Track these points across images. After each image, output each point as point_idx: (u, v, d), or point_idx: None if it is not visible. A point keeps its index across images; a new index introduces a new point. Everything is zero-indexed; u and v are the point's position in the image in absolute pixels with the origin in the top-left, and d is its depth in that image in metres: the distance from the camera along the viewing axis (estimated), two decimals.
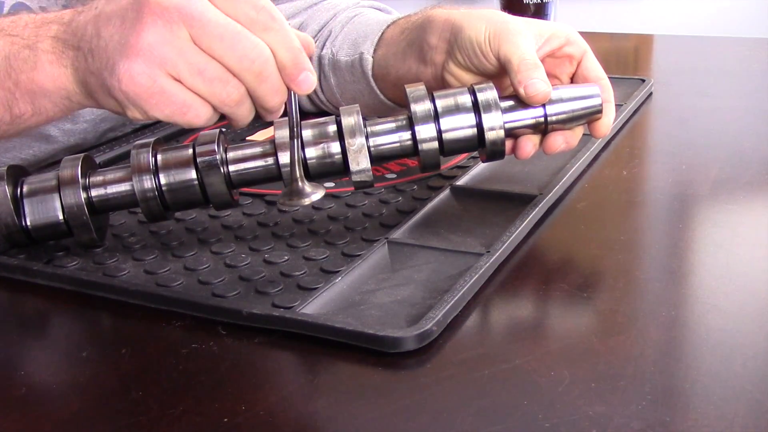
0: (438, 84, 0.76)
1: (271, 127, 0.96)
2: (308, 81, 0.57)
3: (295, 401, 0.51)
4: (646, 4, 2.34)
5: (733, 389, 0.49)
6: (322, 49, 0.91)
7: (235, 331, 0.56)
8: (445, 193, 0.75)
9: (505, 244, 0.64)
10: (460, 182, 0.77)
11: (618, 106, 0.97)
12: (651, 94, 1.08)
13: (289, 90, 0.59)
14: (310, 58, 0.58)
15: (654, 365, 0.52)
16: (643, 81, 1.09)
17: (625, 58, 1.40)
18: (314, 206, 0.73)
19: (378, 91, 0.85)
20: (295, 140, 0.61)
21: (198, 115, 0.54)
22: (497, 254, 0.63)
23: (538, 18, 1.25)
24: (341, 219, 0.70)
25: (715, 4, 2.27)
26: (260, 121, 0.98)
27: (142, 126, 0.98)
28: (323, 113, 0.97)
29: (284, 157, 0.63)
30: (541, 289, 0.63)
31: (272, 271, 0.63)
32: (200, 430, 0.48)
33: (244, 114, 0.56)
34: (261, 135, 0.93)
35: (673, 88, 1.13)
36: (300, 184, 0.60)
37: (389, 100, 0.85)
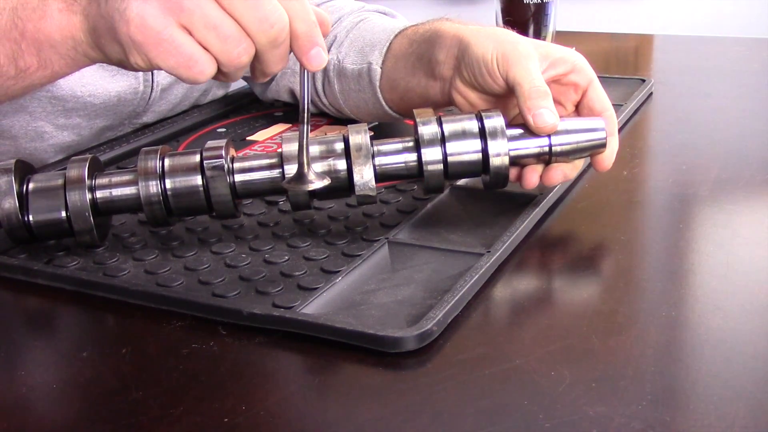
0: (445, 99, 0.77)
1: (272, 127, 0.97)
2: (319, 57, 0.56)
3: (295, 401, 0.51)
4: (646, 4, 2.34)
5: (733, 389, 0.49)
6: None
7: (236, 331, 0.56)
8: (445, 193, 0.75)
9: (506, 244, 0.64)
10: (461, 182, 0.77)
11: (618, 106, 0.97)
12: (651, 94, 1.08)
13: (302, 70, 0.58)
14: (324, 36, 0.57)
15: (654, 365, 0.52)
16: (643, 81, 1.09)
17: (625, 58, 1.40)
18: (314, 206, 0.73)
19: (383, 102, 0.85)
20: (306, 125, 0.60)
21: (203, 71, 0.53)
22: (497, 254, 0.63)
23: (538, 17, 1.25)
24: (341, 219, 0.70)
25: (715, 4, 2.27)
26: (261, 121, 0.99)
27: (142, 126, 0.98)
28: (323, 114, 0.97)
29: (291, 169, 0.63)
30: (541, 289, 0.64)
31: (272, 271, 0.63)
32: (200, 430, 0.48)
33: (240, 75, 0.55)
34: (261, 135, 0.93)
35: (673, 88, 1.13)
36: (306, 169, 0.60)
37: (394, 112, 0.85)
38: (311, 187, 0.60)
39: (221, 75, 0.55)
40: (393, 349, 0.53)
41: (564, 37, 1.31)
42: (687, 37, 1.57)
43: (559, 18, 1.27)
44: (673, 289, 0.62)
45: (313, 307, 0.57)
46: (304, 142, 0.60)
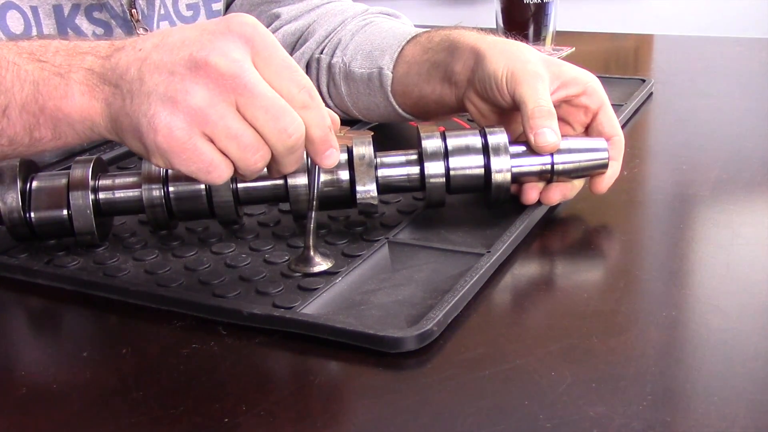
0: (461, 106, 0.78)
1: None
2: (333, 157, 0.58)
3: (295, 401, 0.51)
4: (646, 4, 2.34)
5: (733, 389, 0.49)
6: (332, 57, 0.91)
7: (236, 331, 0.56)
8: None
9: (506, 244, 0.64)
10: None
11: (618, 106, 0.97)
12: (651, 94, 1.08)
13: (314, 165, 0.62)
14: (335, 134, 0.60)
15: (655, 365, 0.52)
16: (643, 81, 1.09)
17: (625, 58, 1.40)
18: None
19: (396, 105, 0.85)
20: (313, 212, 0.63)
21: (220, 175, 0.55)
22: (497, 254, 0.63)
23: (538, 17, 1.25)
24: (341, 219, 0.70)
25: (715, 4, 2.27)
26: None
27: None
28: None
29: (294, 180, 0.65)
30: (541, 289, 0.64)
31: (272, 271, 0.63)
32: (200, 430, 0.48)
33: (256, 175, 0.58)
34: None
35: (673, 88, 1.13)
36: (311, 252, 0.62)
37: (407, 114, 0.86)
38: (316, 269, 0.62)
39: (238, 175, 0.58)
40: (393, 349, 0.53)
41: (564, 37, 1.31)
42: (687, 37, 1.57)
43: (559, 18, 1.27)
44: (673, 289, 0.62)
45: (313, 308, 0.57)
46: (311, 228, 0.62)
